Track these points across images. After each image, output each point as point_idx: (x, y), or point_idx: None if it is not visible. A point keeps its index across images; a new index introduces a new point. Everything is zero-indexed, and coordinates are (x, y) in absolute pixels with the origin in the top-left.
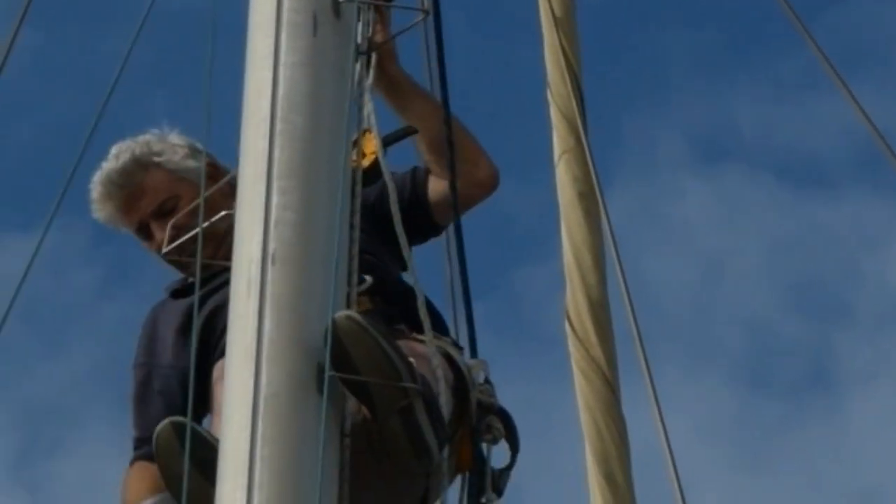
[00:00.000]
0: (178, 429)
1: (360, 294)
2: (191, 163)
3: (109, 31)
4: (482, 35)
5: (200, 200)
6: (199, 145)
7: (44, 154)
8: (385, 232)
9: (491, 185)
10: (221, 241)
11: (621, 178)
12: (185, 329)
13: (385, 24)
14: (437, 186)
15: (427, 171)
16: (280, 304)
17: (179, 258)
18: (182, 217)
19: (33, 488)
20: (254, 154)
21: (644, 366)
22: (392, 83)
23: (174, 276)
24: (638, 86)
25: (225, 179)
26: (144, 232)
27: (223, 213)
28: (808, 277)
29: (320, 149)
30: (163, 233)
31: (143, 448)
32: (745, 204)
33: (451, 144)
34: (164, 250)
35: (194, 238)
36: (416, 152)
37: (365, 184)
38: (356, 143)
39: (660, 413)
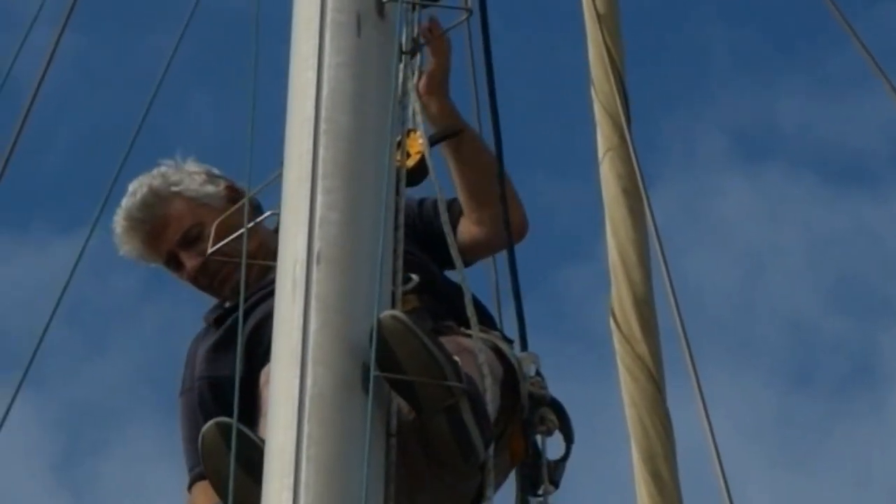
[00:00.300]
0: (224, 430)
1: (407, 292)
2: (210, 188)
3: (151, 32)
4: (525, 33)
5: (245, 202)
6: (215, 171)
7: (86, 157)
8: (426, 236)
9: (522, 235)
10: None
11: (663, 175)
12: (222, 343)
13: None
14: (467, 229)
15: (460, 211)
16: (325, 304)
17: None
18: (200, 265)
19: (77, 490)
20: (298, 154)
21: (689, 363)
22: (442, 116)
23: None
24: (679, 83)
25: (234, 208)
26: (173, 262)
27: (269, 213)
28: (851, 274)
29: (365, 148)
30: (192, 260)
31: (197, 469)
32: (787, 201)
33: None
34: (209, 251)
35: (224, 263)
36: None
37: (409, 183)
38: (400, 143)
39: (705, 410)
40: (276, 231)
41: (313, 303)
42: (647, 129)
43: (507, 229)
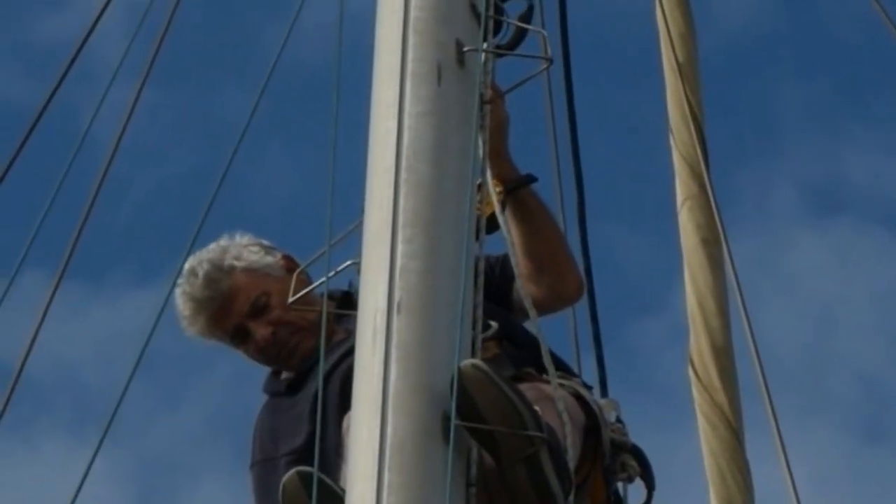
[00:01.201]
0: (305, 479)
1: (486, 339)
2: (269, 259)
3: (226, 87)
4: (603, 82)
5: (327, 250)
6: (265, 242)
7: (161, 209)
8: (494, 289)
9: (573, 299)
10: (311, 330)
11: (736, 227)
12: (300, 407)
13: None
14: (522, 290)
15: (513, 272)
16: (406, 352)
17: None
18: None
19: None
20: (379, 203)
21: (770, 413)
22: (504, 173)
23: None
24: (751, 135)
25: (314, 285)
26: (241, 334)
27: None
28: None
29: (445, 197)
30: (263, 329)
31: None
32: (858, 255)
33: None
34: (289, 300)
35: (292, 331)
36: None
37: (487, 231)
38: (480, 191)
39: (786, 461)
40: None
41: (394, 352)
42: (722, 179)
43: (589, 280)
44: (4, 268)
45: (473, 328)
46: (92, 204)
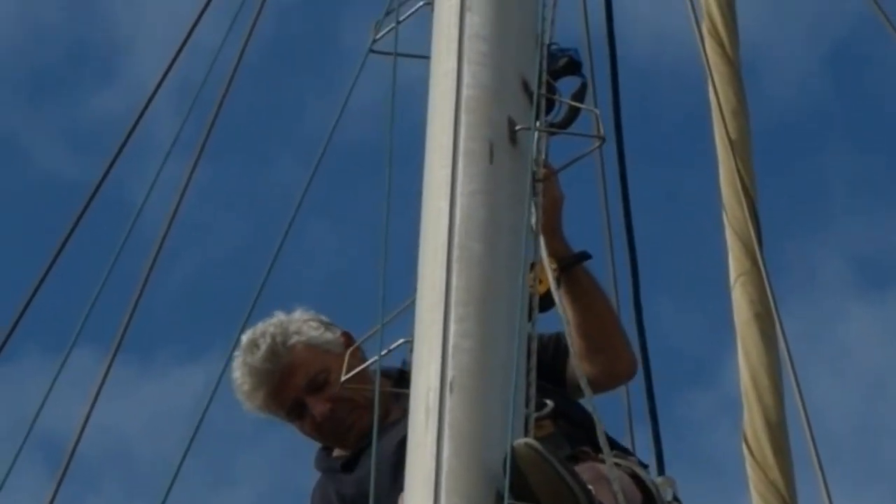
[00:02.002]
0: None
1: (542, 418)
2: (328, 335)
3: (276, 163)
4: (655, 158)
5: (380, 329)
6: (324, 318)
7: (211, 286)
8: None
9: (627, 377)
10: (368, 408)
11: (787, 300)
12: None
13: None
14: (575, 369)
15: (566, 349)
16: (459, 431)
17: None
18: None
19: None
20: (431, 282)
21: (824, 490)
22: (558, 254)
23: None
24: (800, 208)
25: (367, 364)
26: (298, 410)
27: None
28: None
29: (498, 276)
30: (321, 406)
31: None
32: None
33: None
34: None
35: (350, 409)
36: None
37: (541, 310)
38: (532, 269)
39: None
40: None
41: (447, 430)
42: (774, 253)
43: (644, 357)
44: (58, 344)
45: (527, 406)
46: (145, 282)
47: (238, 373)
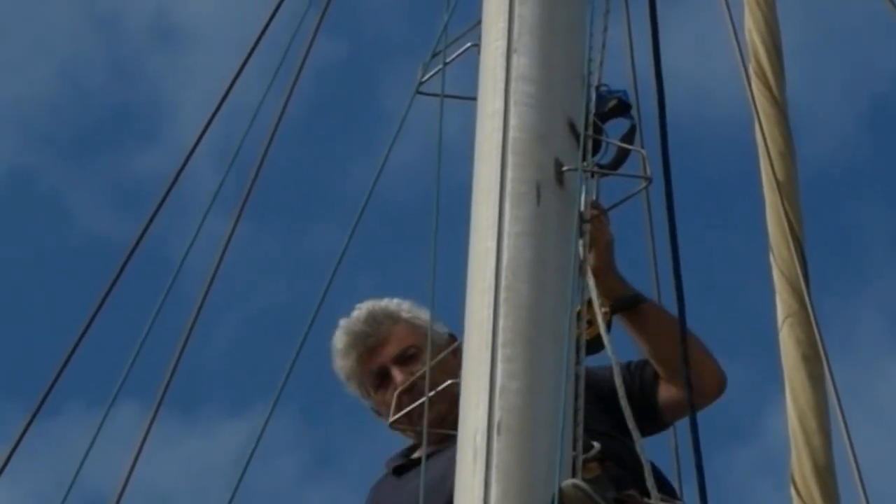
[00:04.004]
0: None
1: (589, 460)
2: (438, 325)
3: (317, 221)
4: (702, 199)
5: (427, 368)
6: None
7: (254, 341)
8: (614, 407)
9: (717, 393)
10: (455, 403)
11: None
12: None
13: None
14: (666, 391)
15: (655, 373)
16: (506, 473)
17: (406, 427)
18: (409, 384)
19: None
20: (478, 322)
21: None
22: (612, 291)
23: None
24: (840, 260)
25: (449, 349)
26: (382, 377)
27: (449, 381)
28: None
29: (545, 317)
30: (403, 375)
31: None
32: None
33: (685, 342)
34: (391, 419)
35: (429, 390)
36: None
37: (588, 352)
38: (581, 312)
39: None
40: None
41: (494, 472)
42: (819, 299)
43: (690, 398)
44: (100, 399)
45: (574, 448)
46: (188, 337)
47: (336, 335)
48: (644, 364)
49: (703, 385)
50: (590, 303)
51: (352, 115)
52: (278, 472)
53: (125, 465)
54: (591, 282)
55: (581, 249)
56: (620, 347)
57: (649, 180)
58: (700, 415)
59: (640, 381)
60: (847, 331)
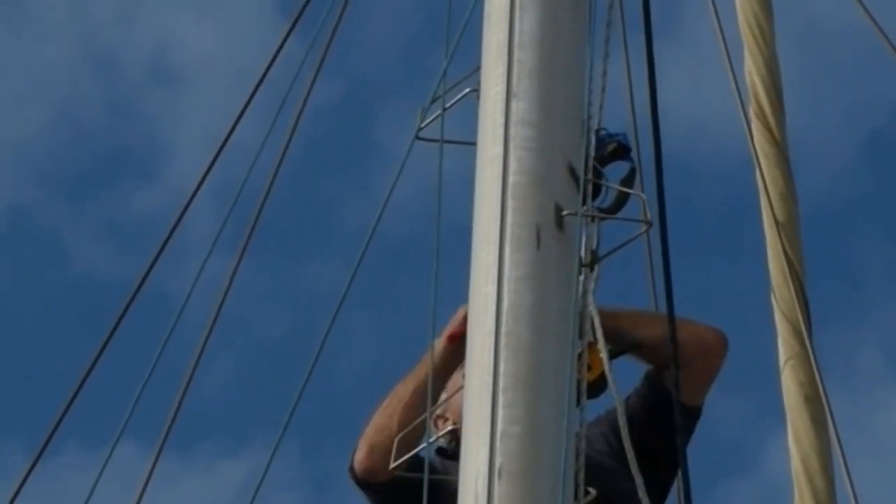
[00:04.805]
0: None
1: None
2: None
3: (315, 257)
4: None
5: (427, 415)
6: None
7: (251, 379)
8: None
9: (722, 348)
10: None
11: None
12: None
13: None
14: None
15: (657, 369)
16: None
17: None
18: (410, 429)
19: None
20: (479, 367)
21: None
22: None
23: None
24: (839, 297)
25: (450, 396)
26: None
27: (450, 427)
28: None
29: (545, 361)
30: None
31: None
32: None
33: (677, 361)
34: (391, 466)
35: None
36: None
37: (590, 396)
38: (581, 356)
39: None
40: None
41: None
42: (822, 331)
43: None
44: (99, 440)
45: (576, 496)
46: (189, 380)
47: None
48: (646, 373)
49: (706, 348)
50: (591, 346)
51: (349, 154)
52: None
53: None
54: (595, 322)
55: (581, 293)
56: (624, 391)
57: (649, 224)
58: (698, 447)
59: (647, 384)
60: (847, 365)
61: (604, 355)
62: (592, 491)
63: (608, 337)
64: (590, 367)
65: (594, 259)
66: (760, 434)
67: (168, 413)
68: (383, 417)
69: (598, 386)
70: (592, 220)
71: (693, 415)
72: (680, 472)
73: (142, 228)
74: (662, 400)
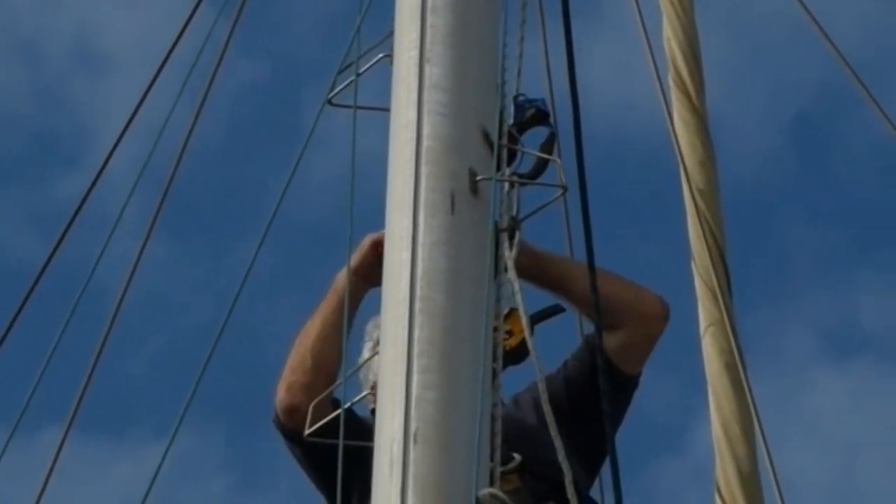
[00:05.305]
0: None
1: (507, 472)
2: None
3: (240, 239)
4: (623, 207)
5: (343, 381)
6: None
7: (177, 361)
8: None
9: (662, 314)
10: None
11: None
12: None
13: None
14: (610, 340)
15: (592, 340)
16: (423, 483)
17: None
18: (324, 397)
19: None
20: (394, 333)
21: None
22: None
23: None
24: (765, 279)
25: (365, 361)
26: None
27: (364, 393)
28: None
29: (460, 327)
30: None
31: None
32: (876, 395)
33: (599, 311)
34: (307, 431)
35: None
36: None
37: (512, 362)
38: (500, 321)
39: None
40: (374, 412)
41: (410, 482)
42: (742, 316)
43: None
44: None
45: (492, 459)
46: (98, 354)
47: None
48: (586, 337)
49: (646, 311)
50: (512, 312)
51: (272, 134)
52: (208, 492)
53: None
54: (515, 289)
55: (497, 259)
56: (547, 357)
57: (565, 189)
58: (628, 428)
59: (587, 348)
60: (774, 344)
61: (524, 321)
62: (517, 457)
63: (536, 280)
64: (512, 333)
65: (513, 225)
66: (689, 412)
67: (76, 394)
68: (296, 356)
69: (519, 352)
70: (513, 186)
71: (631, 383)
72: (609, 440)
73: (67, 213)
74: (603, 365)
